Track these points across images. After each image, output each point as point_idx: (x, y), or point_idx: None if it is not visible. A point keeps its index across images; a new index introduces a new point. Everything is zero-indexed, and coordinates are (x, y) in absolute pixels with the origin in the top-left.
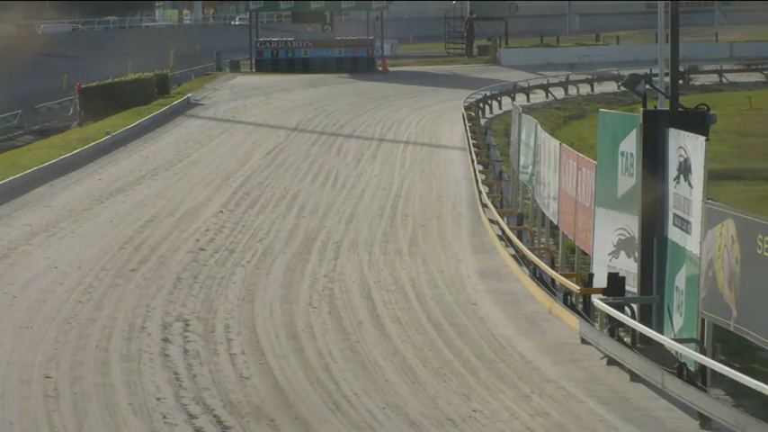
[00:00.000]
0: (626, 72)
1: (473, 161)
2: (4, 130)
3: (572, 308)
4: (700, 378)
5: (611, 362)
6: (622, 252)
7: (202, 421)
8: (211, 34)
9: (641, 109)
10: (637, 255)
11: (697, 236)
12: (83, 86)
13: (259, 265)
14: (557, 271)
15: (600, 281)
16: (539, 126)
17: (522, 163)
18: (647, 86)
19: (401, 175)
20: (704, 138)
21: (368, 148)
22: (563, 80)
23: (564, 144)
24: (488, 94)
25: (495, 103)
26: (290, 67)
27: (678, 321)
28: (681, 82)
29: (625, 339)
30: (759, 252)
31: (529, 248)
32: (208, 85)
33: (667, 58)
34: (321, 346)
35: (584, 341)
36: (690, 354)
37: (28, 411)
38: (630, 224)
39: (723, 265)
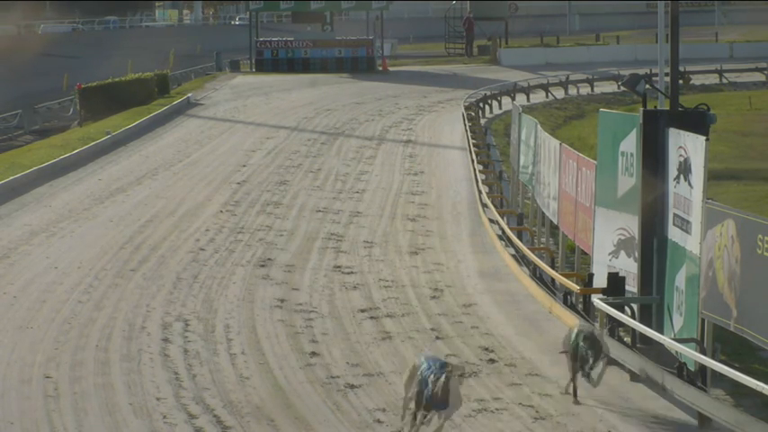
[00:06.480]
0: (626, 72)
1: (473, 161)
2: (4, 130)
3: (572, 308)
4: (700, 378)
5: (611, 362)
6: (622, 252)
7: (202, 421)
8: (211, 34)
9: (641, 109)
10: (637, 255)
11: (697, 236)
12: (83, 86)
13: (259, 265)
14: (557, 271)
15: (600, 281)
16: (539, 126)
17: (522, 163)
18: (647, 86)
19: (401, 175)
20: (704, 138)
21: (368, 148)
22: (563, 80)
23: (564, 144)
24: (488, 93)
25: (495, 103)
26: (290, 67)
27: (678, 321)
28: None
29: (625, 339)
30: (759, 252)
31: (529, 248)
32: (208, 85)
33: (667, 59)
34: (321, 346)
35: None
36: (690, 354)
37: (28, 411)
38: (630, 224)
39: (723, 265)
